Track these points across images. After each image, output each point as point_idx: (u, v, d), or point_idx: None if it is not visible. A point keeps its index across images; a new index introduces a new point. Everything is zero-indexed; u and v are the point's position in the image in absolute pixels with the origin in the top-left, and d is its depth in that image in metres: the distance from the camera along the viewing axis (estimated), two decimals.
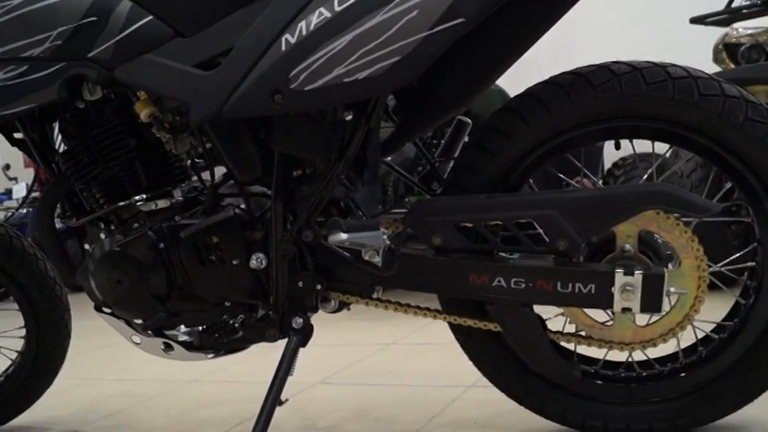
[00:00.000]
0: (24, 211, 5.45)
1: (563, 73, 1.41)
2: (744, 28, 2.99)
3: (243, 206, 1.55)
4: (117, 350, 2.86)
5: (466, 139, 1.70)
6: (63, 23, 1.48)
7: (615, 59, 1.39)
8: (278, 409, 1.46)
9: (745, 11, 2.95)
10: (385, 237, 1.35)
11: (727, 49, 2.96)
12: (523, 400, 1.55)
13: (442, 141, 1.72)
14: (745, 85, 2.67)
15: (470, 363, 1.58)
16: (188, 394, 2.27)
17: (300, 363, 1.50)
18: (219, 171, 1.61)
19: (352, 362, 2.45)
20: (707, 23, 3.06)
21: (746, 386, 1.43)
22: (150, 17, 1.46)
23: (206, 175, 1.63)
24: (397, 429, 1.75)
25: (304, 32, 1.26)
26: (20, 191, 5.56)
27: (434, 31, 1.19)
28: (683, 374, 1.47)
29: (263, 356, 1.74)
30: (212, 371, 2.47)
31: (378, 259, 1.34)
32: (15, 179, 5.90)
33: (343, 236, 1.29)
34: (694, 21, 3.09)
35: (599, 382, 1.52)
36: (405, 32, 1.20)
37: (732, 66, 2.94)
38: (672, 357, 1.52)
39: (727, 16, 3.04)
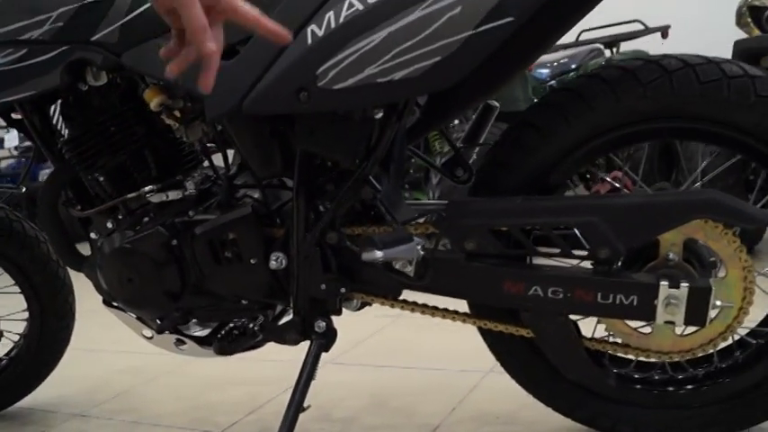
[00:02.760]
0: (15, 161, 5.33)
1: (608, 66, 1.31)
2: None
3: (260, 197, 1.47)
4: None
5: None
6: (64, 3, 1.37)
7: (666, 53, 1.29)
8: None
9: None
10: (419, 247, 1.26)
11: (751, 13, 2.84)
12: (552, 402, 1.50)
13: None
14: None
15: None
16: (197, 372, 2.22)
17: None
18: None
19: (364, 337, 2.39)
20: None
21: None
22: None
23: (218, 160, 1.53)
24: (417, 422, 1.70)
25: (333, 25, 1.16)
26: (11, 140, 5.42)
27: (479, 30, 1.08)
28: (719, 380, 1.41)
29: None
30: None
31: (410, 269, 1.27)
32: (6, 128, 5.75)
33: (379, 254, 1.20)
34: None
35: (632, 385, 1.46)
36: (446, 31, 1.09)
37: (756, 30, 2.83)
38: (706, 360, 1.45)
39: None
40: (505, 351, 1.48)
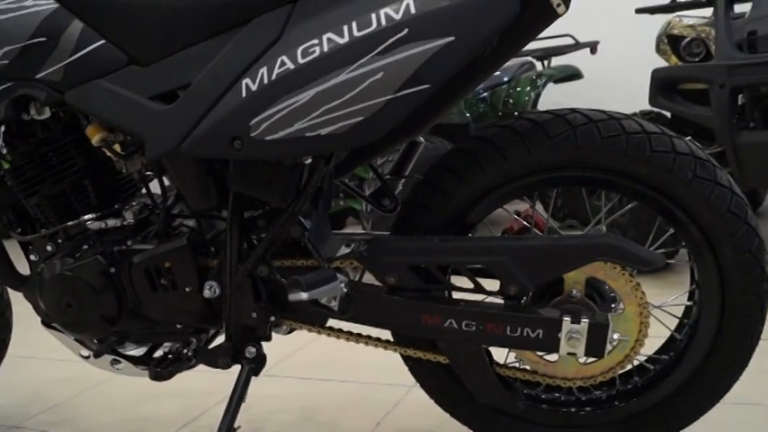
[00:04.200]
0: None
1: (520, 117, 1.42)
2: (686, 17, 3.03)
3: (195, 227, 1.55)
4: None
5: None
6: (9, 43, 1.42)
7: (574, 108, 1.41)
8: None
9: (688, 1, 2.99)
10: (342, 285, 1.36)
11: (669, 41, 3.01)
12: (468, 421, 1.61)
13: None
14: (682, 82, 2.75)
15: None
16: (131, 382, 2.28)
17: None
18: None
19: (296, 348, 2.49)
20: (653, 13, 3.09)
21: (678, 416, 1.52)
22: (103, 41, 1.41)
23: (155, 186, 1.60)
24: None
25: (265, 80, 1.25)
26: None
27: (398, 95, 1.19)
28: (619, 402, 1.55)
29: None
30: None
31: (334, 304, 1.36)
32: None
33: (304, 295, 1.30)
34: (640, 11, 3.12)
35: (540, 406, 1.58)
36: (369, 93, 1.19)
37: (674, 58, 2.99)
38: (609, 383, 1.59)
39: (671, 3, 3.08)
40: (425, 375, 1.59)
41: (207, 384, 2.17)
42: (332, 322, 1.53)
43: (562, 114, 1.40)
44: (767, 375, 1.97)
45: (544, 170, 1.40)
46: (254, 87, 1.25)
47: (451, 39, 1.17)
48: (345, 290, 1.38)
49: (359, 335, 1.52)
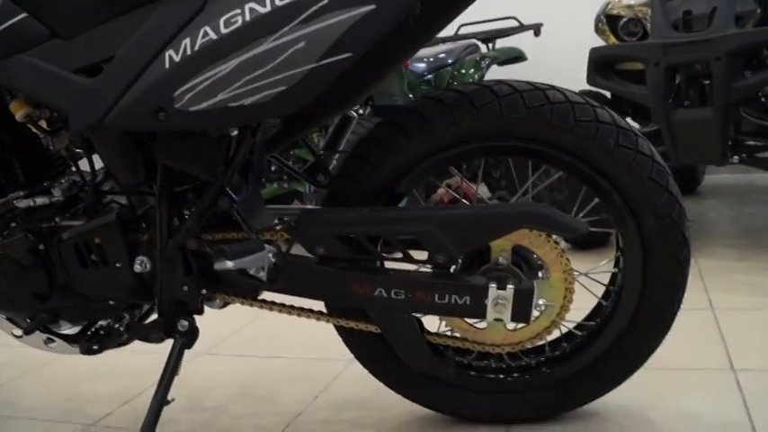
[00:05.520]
0: None
1: (447, 90, 1.44)
2: None
3: (126, 203, 1.54)
4: None
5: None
6: None
7: (500, 79, 1.44)
8: None
9: None
10: (270, 255, 1.37)
11: (608, 21, 3.06)
12: (400, 388, 1.64)
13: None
14: (619, 61, 2.80)
15: None
16: (69, 363, 2.26)
17: None
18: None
19: (237, 328, 2.49)
20: None
21: (604, 380, 1.56)
22: (25, 14, 1.39)
23: (85, 165, 1.59)
24: (280, 410, 1.82)
25: (188, 51, 1.24)
26: None
27: (321, 63, 1.19)
28: (545, 369, 1.59)
29: None
30: None
31: (263, 274, 1.37)
32: None
33: (229, 263, 1.31)
34: None
35: (471, 372, 1.61)
36: (291, 63, 1.20)
37: (612, 37, 3.04)
38: (539, 350, 1.63)
39: None
40: (358, 345, 1.61)
41: (146, 364, 2.16)
42: (266, 295, 1.54)
43: (488, 85, 1.42)
44: (688, 341, 2.02)
45: (471, 140, 1.43)
46: (177, 58, 1.25)
47: (372, 7, 1.18)
48: (274, 260, 1.39)
49: (291, 306, 1.54)
